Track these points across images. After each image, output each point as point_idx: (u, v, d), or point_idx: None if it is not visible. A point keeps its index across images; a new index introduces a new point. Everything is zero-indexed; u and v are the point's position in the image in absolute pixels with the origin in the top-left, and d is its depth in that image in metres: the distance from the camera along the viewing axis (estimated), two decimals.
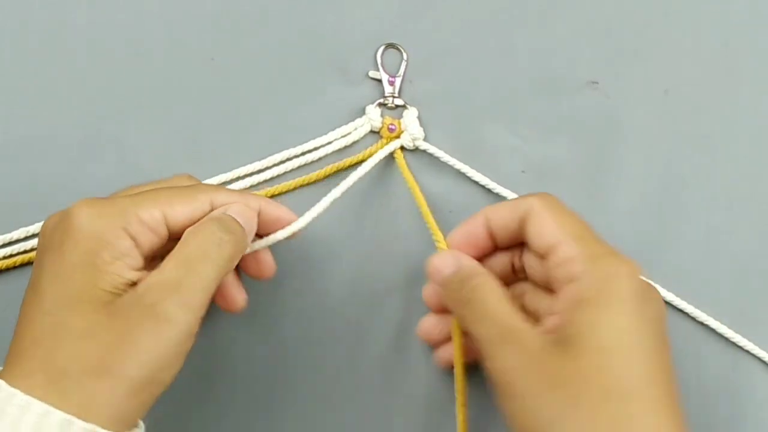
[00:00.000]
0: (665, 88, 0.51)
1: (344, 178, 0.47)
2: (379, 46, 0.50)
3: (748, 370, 0.49)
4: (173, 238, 0.40)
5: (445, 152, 0.49)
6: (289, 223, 0.44)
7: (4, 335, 0.47)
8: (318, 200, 0.48)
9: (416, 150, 0.49)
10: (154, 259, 0.40)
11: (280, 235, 0.44)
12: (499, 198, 0.49)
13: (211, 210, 0.41)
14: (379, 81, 0.50)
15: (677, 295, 0.49)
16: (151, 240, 0.39)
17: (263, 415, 0.48)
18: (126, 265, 0.38)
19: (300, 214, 0.45)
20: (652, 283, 0.41)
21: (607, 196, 0.50)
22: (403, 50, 0.50)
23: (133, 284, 0.38)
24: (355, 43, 0.50)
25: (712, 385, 0.49)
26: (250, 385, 0.48)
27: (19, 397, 0.35)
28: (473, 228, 0.43)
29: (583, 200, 0.50)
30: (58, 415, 0.35)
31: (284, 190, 0.49)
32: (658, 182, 0.50)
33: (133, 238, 0.38)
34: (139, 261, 0.39)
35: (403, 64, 0.50)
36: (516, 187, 0.49)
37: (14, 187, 0.49)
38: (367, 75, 0.50)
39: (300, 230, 0.44)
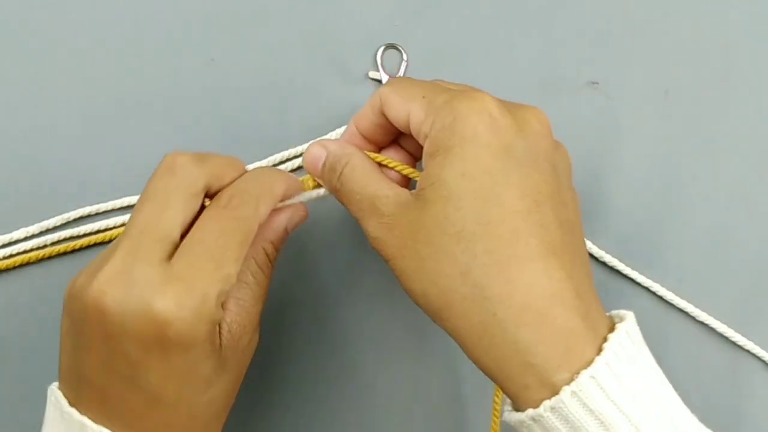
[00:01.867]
0: (665, 88, 0.51)
1: None
2: (379, 47, 0.50)
3: (748, 370, 0.49)
4: None
5: None
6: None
7: (5, 335, 0.48)
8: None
9: None
10: None
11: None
12: None
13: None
14: (379, 81, 0.50)
15: (677, 295, 0.49)
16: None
17: (263, 415, 0.48)
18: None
19: None
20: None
21: (607, 196, 0.50)
22: (402, 51, 0.50)
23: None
24: (355, 44, 0.50)
25: (712, 385, 0.49)
26: (249, 385, 0.48)
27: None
28: (351, 139, 0.43)
29: (583, 200, 0.49)
30: None
31: None
32: (658, 182, 0.50)
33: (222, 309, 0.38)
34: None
35: (403, 64, 0.50)
36: None
37: (14, 187, 0.49)
38: (366, 75, 0.50)
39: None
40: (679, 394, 0.37)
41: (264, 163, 0.49)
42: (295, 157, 0.49)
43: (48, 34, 0.50)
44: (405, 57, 0.50)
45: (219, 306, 0.37)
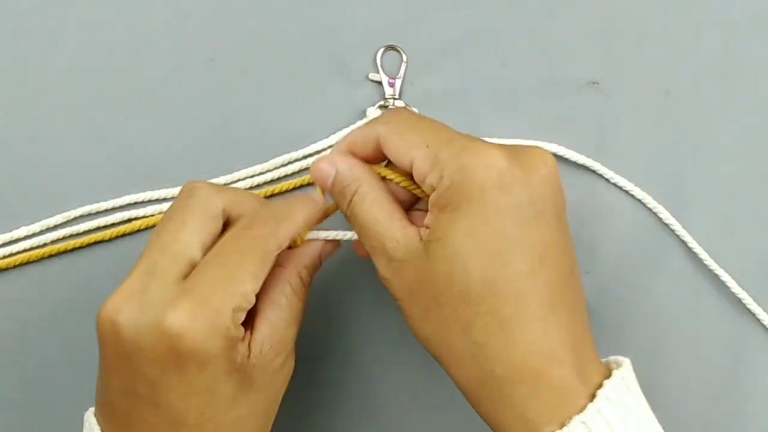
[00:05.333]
0: (665, 88, 0.51)
1: None
2: (379, 48, 0.50)
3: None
4: None
5: None
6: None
7: (5, 333, 0.48)
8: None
9: None
10: None
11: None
12: None
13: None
14: (380, 83, 0.50)
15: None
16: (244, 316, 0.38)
17: None
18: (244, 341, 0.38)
19: None
20: None
21: (608, 196, 0.50)
22: (402, 52, 0.50)
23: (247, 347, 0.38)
24: (355, 45, 0.50)
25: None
26: None
27: None
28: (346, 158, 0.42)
29: (584, 200, 0.50)
30: None
31: (284, 189, 0.49)
32: (659, 182, 0.50)
33: (240, 326, 0.37)
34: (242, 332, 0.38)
35: (403, 65, 0.50)
36: None
37: (15, 186, 0.49)
38: (367, 77, 0.50)
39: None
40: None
41: (266, 166, 0.49)
42: (297, 160, 0.49)
43: (48, 34, 0.50)
44: (405, 58, 0.50)
45: (235, 322, 0.37)
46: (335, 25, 0.50)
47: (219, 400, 0.37)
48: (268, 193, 0.49)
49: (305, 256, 0.41)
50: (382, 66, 0.50)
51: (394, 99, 0.49)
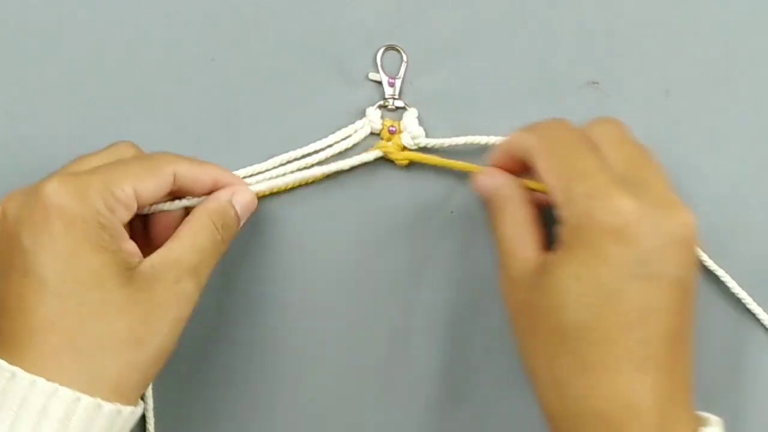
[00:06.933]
0: (666, 88, 0.51)
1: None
2: (379, 48, 0.50)
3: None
4: (138, 211, 0.42)
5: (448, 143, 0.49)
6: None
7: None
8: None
9: (419, 150, 0.49)
10: None
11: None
12: None
13: (174, 181, 0.42)
14: (379, 83, 0.50)
15: None
16: (124, 216, 0.40)
17: (261, 415, 0.49)
18: (126, 243, 0.40)
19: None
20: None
21: None
22: (402, 52, 0.50)
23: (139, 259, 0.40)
24: (355, 45, 0.50)
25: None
26: (248, 385, 0.49)
27: (42, 384, 0.36)
28: (500, 160, 0.44)
29: None
30: (86, 400, 0.36)
31: (283, 188, 0.49)
32: None
33: (114, 215, 0.40)
34: (126, 236, 0.40)
35: (403, 65, 0.50)
36: None
37: (15, 186, 0.48)
38: (367, 76, 0.50)
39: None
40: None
41: (265, 165, 0.49)
42: (296, 159, 0.49)
43: (48, 34, 0.50)
44: (405, 58, 0.50)
45: (106, 203, 0.39)
46: (335, 25, 0.50)
47: (83, 271, 0.38)
48: (268, 193, 0.49)
49: (215, 201, 0.44)
50: (382, 66, 0.50)
51: (394, 99, 0.49)
